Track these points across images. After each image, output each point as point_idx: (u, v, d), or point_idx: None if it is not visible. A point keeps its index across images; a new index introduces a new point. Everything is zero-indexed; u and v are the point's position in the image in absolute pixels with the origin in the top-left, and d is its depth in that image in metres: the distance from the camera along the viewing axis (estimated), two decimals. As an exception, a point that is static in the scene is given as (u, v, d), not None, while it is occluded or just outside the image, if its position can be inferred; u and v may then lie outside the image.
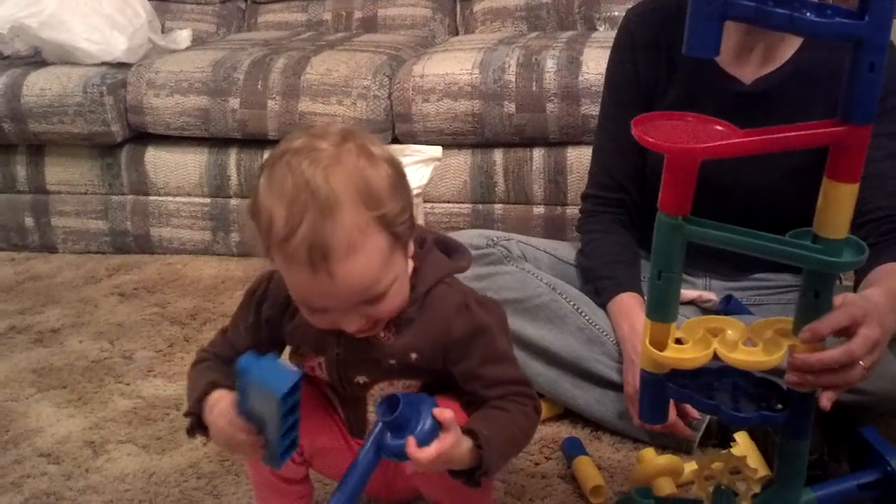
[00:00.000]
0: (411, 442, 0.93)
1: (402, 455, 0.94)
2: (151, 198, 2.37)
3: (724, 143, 0.86)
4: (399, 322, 1.03)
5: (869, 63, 0.81)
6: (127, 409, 1.58)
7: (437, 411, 0.95)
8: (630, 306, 1.39)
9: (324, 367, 1.09)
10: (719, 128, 0.88)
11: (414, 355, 1.05)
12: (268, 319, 1.09)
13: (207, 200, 2.34)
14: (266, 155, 2.24)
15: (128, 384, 1.68)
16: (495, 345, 1.06)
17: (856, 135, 0.85)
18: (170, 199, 2.35)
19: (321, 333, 1.05)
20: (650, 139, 0.86)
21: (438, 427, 0.94)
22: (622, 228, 1.49)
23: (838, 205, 0.88)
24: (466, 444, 0.96)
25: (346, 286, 0.93)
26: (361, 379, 1.08)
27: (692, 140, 0.87)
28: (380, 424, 0.96)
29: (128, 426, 1.53)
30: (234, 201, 2.32)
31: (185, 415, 1.04)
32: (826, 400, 0.92)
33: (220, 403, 0.98)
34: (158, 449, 1.45)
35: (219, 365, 1.08)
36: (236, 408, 0.94)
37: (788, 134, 0.87)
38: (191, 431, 1.04)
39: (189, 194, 2.34)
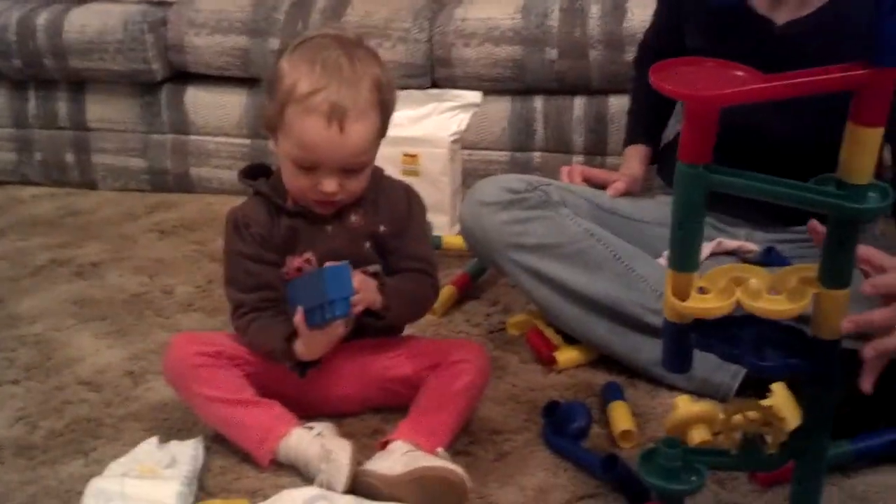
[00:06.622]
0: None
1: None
2: (191, 137, 2.37)
3: (744, 89, 0.84)
4: (364, 205, 1.28)
5: (893, 2, 0.80)
6: (166, 342, 1.59)
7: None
8: (629, 156, 1.67)
9: (313, 261, 1.27)
10: (740, 73, 0.86)
11: (382, 227, 1.28)
12: (260, 238, 1.27)
13: (247, 141, 2.33)
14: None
15: (167, 318, 1.70)
16: (424, 224, 1.36)
17: (881, 78, 0.83)
18: (209, 138, 2.36)
19: (311, 232, 1.27)
20: (668, 87, 0.84)
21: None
22: None
23: (862, 149, 0.86)
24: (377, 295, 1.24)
25: (349, 143, 1.17)
26: None
27: (712, 86, 0.85)
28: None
29: (167, 358, 1.55)
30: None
31: (294, 366, 1.25)
32: (871, 350, 0.90)
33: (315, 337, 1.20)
34: (197, 381, 1.47)
35: (267, 317, 1.27)
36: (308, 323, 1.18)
37: (811, 78, 0.84)
38: (303, 372, 1.25)
39: (228, 134, 2.34)
